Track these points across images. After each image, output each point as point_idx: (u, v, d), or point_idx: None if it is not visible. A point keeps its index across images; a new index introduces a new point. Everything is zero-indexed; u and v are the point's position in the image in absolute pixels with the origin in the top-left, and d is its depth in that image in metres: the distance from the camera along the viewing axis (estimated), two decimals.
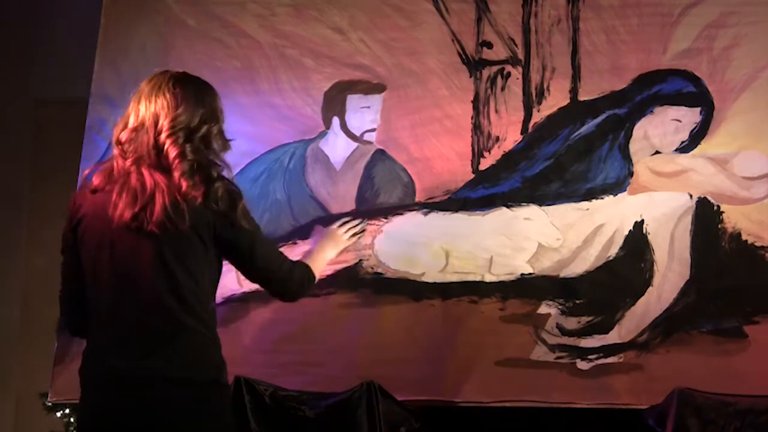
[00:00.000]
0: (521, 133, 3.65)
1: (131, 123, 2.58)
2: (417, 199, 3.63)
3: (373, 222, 3.58)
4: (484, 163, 3.64)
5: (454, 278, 3.53)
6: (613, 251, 3.50)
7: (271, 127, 3.72)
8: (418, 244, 3.57)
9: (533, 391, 3.41)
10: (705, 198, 3.50)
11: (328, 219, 3.60)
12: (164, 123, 2.54)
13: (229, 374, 2.62)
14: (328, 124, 3.73)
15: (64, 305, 2.72)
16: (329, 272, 3.47)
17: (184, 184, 2.48)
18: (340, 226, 3.43)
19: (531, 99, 3.66)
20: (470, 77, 3.70)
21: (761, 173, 3.52)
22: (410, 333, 3.50)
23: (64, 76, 5.39)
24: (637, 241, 3.49)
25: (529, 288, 3.50)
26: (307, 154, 3.72)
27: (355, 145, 3.71)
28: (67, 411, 5.25)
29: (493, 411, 3.43)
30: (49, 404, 4.92)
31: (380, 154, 3.69)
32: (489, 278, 3.52)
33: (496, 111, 3.67)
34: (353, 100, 3.74)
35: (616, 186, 3.55)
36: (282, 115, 3.73)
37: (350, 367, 3.45)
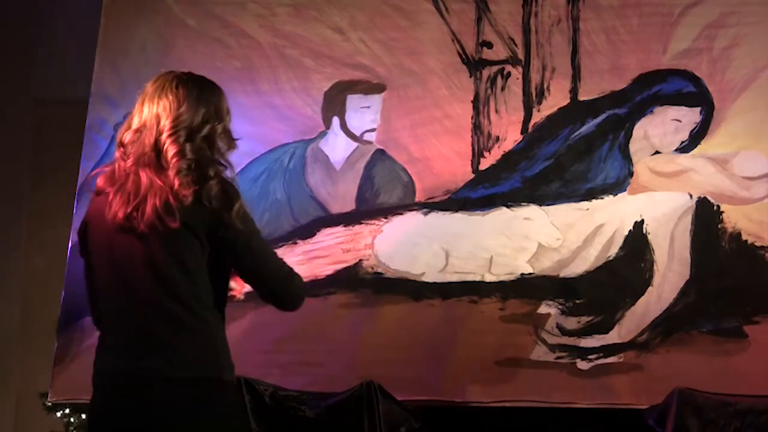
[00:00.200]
0: (521, 133, 3.65)
1: (134, 124, 2.58)
2: (417, 199, 3.63)
3: (373, 222, 3.58)
4: (484, 163, 3.64)
5: (454, 278, 3.53)
6: (613, 251, 3.50)
7: (271, 127, 3.72)
8: (418, 244, 3.57)
9: (533, 391, 3.41)
10: (705, 198, 3.50)
11: (328, 219, 3.60)
12: (166, 123, 2.53)
13: None
14: (328, 124, 3.73)
15: (90, 307, 2.71)
16: (329, 272, 3.47)
17: (176, 183, 2.47)
18: None
19: (531, 99, 3.67)
20: (470, 77, 3.70)
21: (761, 173, 3.52)
22: (410, 333, 3.50)
23: (64, 76, 5.39)
24: (637, 241, 3.50)
25: (529, 288, 3.50)
26: (307, 154, 3.72)
27: (355, 145, 3.71)
28: (67, 411, 5.24)
29: (493, 411, 3.43)
30: (49, 404, 4.91)
31: (380, 154, 3.69)
32: (489, 278, 3.52)
33: (496, 111, 3.67)
34: (353, 100, 3.74)
35: (616, 186, 3.55)
36: (282, 115, 3.73)
37: (350, 367, 3.45)
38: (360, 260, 3.57)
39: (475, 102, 3.68)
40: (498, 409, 3.42)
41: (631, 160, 3.57)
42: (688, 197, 3.52)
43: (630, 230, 3.51)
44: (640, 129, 3.60)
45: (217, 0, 3.85)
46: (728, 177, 3.52)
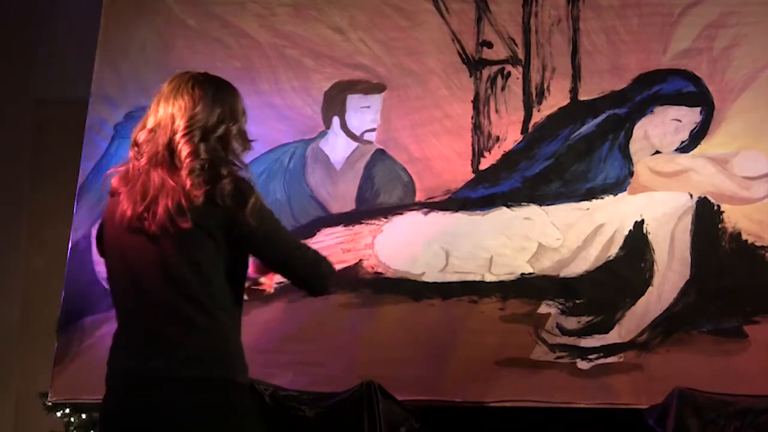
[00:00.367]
0: (521, 133, 3.65)
1: (149, 124, 2.57)
2: (417, 199, 3.63)
3: (373, 222, 3.58)
4: (484, 163, 3.64)
5: (454, 278, 3.53)
6: (613, 251, 3.50)
7: (271, 127, 3.72)
8: (418, 244, 3.57)
9: (533, 391, 3.41)
10: (705, 198, 3.50)
11: (328, 219, 3.60)
12: (180, 123, 2.52)
13: None
14: (328, 123, 3.73)
15: (115, 307, 2.71)
16: None
17: (188, 183, 2.46)
18: None
19: (531, 99, 3.67)
20: (470, 77, 3.70)
21: (761, 173, 3.52)
22: (410, 333, 3.50)
23: (64, 76, 5.39)
24: (637, 240, 3.50)
25: (529, 288, 3.50)
26: (307, 153, 3.72)
27: (355, 144, 3.71)
28: (67, 411, 5.24)
29: (493, 411, 3.43)
30: (49, 404, 4.91)
31: (380, 154, 3.69)
32: (489, 278, 3.52)
33: (496, 111, 3.67)
34: (353, 100, 3.74)
35: (616, 186, 3.55)
36: (282, 115, 3.73)
37: (350, 367, 3.45)
38: (360, 260, 3.57)
39: (475, 102, 3.68)
40: (498, 409, 3.42)
41: (631, 160, 3.57)
42: (688, 197, 3.52)
43: (630, 230, 3.51)
44: (640, 129, 3.60)
45: (217, 0, 3.85)
46: (728, 177, 3.52)
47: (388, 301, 3.51)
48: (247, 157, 3.70)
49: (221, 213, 2.47)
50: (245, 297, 2.62)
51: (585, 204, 3.56)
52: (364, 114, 3.73)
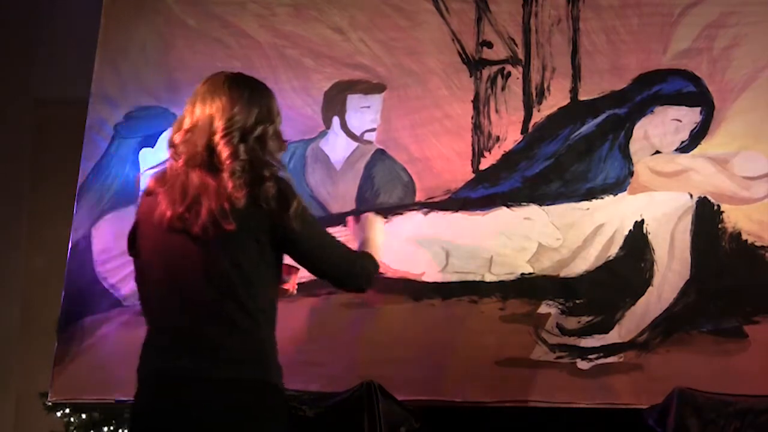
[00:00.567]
0: (521, 133, 3.65)
1: (186, 125, 2.57)
2: (417, 199, 3.63)
3: None
4: (484, 163, 3.64)
5: (454, 278, 3.53)
6: (613, 251, 3.51)
7: None
8: (418, 244, 3.57)
9: (533, 391, 3.41)
10: (705, 198, 3.50)
11: (328, 219, 3.59)
12: (219, 124, 2.52)
13: None
14: (328, 123, 3.73)
15: (142, 307, 2.71)
16: None
17: (230, 185, 2.47)
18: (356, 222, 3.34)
19: (531, 99, 3.67)
20: (470, 77, 3.70)
21: (761, 173, 3.52)
22: (410, 333, 3.49)
23: (64, 76, 5.39)
24: (637, 240, 3.49)
25: (529, 288, 3.50)
26: (307, 153, 3.72)
27: (355, 144, 3.71)
28: (67, 411, 5.25)
29: (493, 411, 3.43)
30: (49, 404, 4.91)
31: (380, 154, 3.69)
32: (489, 278, 3.53)
33: (497, 111, 3.67)
34: (353, 100, 3.74)
35: (616, 186, 3.55)
36: (282, 114, 3.72)
37: (350, 367, 3.45)
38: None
39: (475, 102, 3.68)
40: (498, 409, 3.42)
41: (631, 159, 3.57)
42: (688, 197, 3.52)
43: (630, 230, 3.51)
44: (640, 129, 3.60)
45: (217, 0, 3.85)
46: (728, 177, 3.52)
47: (388, 301, 3.51)
48: None
49: (264, 215, 2.49)
50: None
51: (585, 204, 3.55)
52: (364, 114, 3.73)
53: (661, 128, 3.58)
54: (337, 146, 3.71)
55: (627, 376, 3.40)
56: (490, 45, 3.72)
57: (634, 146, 3.59)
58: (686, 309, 3.43)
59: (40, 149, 5.99)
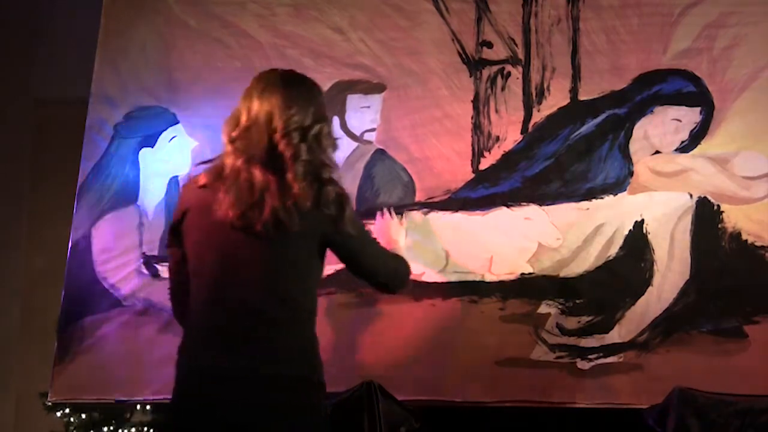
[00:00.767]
0: (521, 133, 3.65)
1: (243, 121, 2.57)
2: (417, 199, 3.63)
3: (373, 222, 3.57)
4: (484, 163, 3.64)
5: (454, 278, 3.53)
6: (613, 251, 3.51)
7: None
8: (419, 244, 3.57)
9: (533, 391, 3.41)
10: (705, 198, 3.50)
11: None
12: (278, 122, 2.53)
13: None
14: None
15: (173, 301, 2.71)
16: (330, 272, 3.46)
17: (296, 186, 2.48)
18: (384, 216, 3.37)
19: (531, 99, 3.67)
20: (470, 77, 3.70)
21: (761, 173, 3.51)
22: (410, 333, 3.49)
23: (64, 76, 5.39)
24: (637, 240, 3.49)
25: (529, 288, 3.50)
26: None
27: (355, 144, 3.71)
28: (67, 411, 5.25)
29: (493, 411, 3.43)
30: (49, 404, 4.92)
31: (380, 154, 3.69)
32: (489, 278, 3.53)
33: (496, 111, 3.67)
34: (353, 100, 3.74)
35: (616, 186, 3.55)
36: None
37: (350, 367, 3.45)
38: None
39: (475, 102, 3.68)
40: (498, 409, 3.42)
41: (631, 159, 3.57)
42: (688, 197, 3.51)
43: (630, 230, 3.51)
44: (640, 129, 3.60)
45: (217, 0, 3.85)
46: (728, 177, 3.52)
47: (388, 301, 3.51)
48: None
49: (324, 218, 2.53)
50: None
51: (585, 204, 3.55)
52: (364, 114, 3.73)
53: (661, 128, 3.58)
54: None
55: (627, 376, 3.40)
56: (490, 45, 3.72)
57: (634, 146, 3.59)
58: (686, 309, 3.43)
59: (40, 149, 6.00)
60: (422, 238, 3.57)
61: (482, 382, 3.43)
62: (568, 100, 3.65)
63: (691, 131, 3.57)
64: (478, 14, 3.74)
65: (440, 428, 3.50)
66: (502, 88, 3.69)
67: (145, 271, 3.63)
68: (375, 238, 2.80)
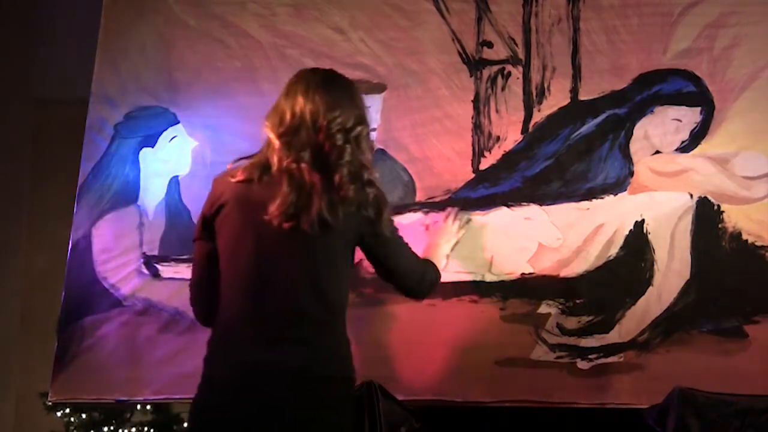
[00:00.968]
0: (521, 133, 3.65)
1: (287, 119, 2.57)
2: (417, 199, 3.63)
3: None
4: (485, 163, 3.64)
5: (454, 278, 3.53)
6: (614, 251, 3.50)
7: None
8: (419, 244, 3.56)
9: (533, 391, 3.41)
10: (705, 198, 3.50)
11: None
12: (323, 123, 2.55)
13: None
14: None
15: (195, 294, 2.71)
16: None
17: (345, 188, 2.51)
18: (446, 219, 3.44)
19: (531, 99, 3.66)
20: (470, 77, 3.70)
21: (761, 173, 3.51)
22: (411, 333, 3.49)
23: (64, 76, 5.40)
24: (637, 240, 3.49)
25: (530, 288, 3.50)
26: None
27: None
28: (67, 411, 5.25)
29: (493, 411, 3.43)
30: (49, 404, 4.92)
31: (380, 154, 3.68)
32: (489, 278, 3.52)
33: (497, 111, 3.67)
34: None
35: (617, 186, 3.55)
36: None
37: None
38: (360, 260, 3.56)
39: (476, 102, 3.68)
40: (498, 409, 3.42)
41: (631, 159, 3.57)
42: (689, 197, 3.51)
43: (630, 230, 3.51)
44: (640, 129, 3.59)
45: (217, 0, 3.85)
46: (728, 177, 3.52)
47: (388, 301, 3.51)
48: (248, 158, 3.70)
49: (363, 219, 2.56)
50: None
51: (585, 204, 3.55)
52: None
53: (661, 128, 3.58)
54: None
55: (627, 375, 3.40)
56: (490, 45, 3.72)
57: (634, 146, 3.58)
58: (686, 309, 3.43)
59: (40, 149, 6.00)
60: (423, 238, 3.57)
61: (482, 382, 3.43)
62: (569, 100, 3.65)
63: (692, 131, 3.57)
64: (478, 14, 3.74)
65: (440, 428, 3.50)
66: (503, 88, 3.68)
67: (145, 271, 3.62)
68: (406, 243, 2.82)
